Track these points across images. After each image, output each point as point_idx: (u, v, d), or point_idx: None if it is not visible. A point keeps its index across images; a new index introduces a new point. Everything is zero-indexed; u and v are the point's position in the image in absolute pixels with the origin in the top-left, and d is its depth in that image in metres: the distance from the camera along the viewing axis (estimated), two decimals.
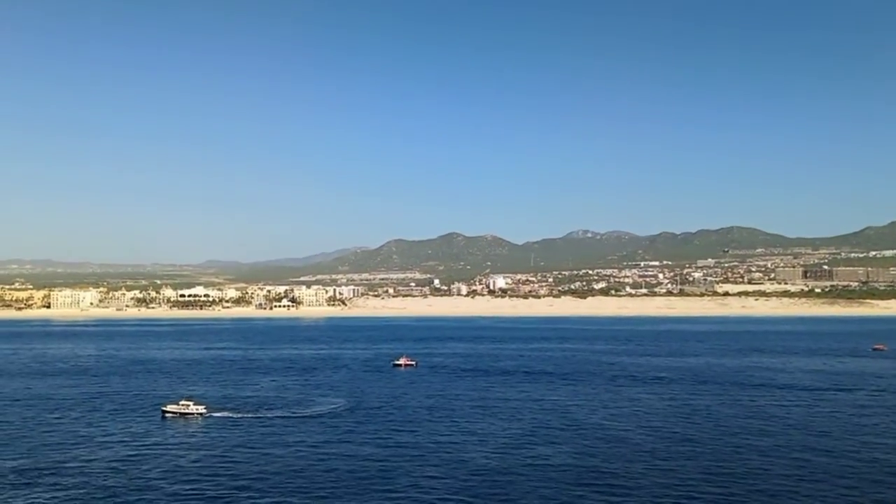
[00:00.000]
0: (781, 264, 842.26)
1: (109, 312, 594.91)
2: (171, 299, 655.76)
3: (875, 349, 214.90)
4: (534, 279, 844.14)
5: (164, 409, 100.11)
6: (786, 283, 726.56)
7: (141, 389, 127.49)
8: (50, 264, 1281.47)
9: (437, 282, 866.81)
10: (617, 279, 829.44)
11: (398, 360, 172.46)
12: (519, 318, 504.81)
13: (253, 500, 59.65)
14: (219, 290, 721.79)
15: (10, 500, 59.88)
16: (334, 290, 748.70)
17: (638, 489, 62.28)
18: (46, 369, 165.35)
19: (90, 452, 76.50)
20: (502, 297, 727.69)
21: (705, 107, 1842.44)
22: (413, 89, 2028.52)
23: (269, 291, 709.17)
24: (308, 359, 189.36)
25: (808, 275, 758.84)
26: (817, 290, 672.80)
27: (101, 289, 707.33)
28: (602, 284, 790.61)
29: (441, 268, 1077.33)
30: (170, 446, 79.67)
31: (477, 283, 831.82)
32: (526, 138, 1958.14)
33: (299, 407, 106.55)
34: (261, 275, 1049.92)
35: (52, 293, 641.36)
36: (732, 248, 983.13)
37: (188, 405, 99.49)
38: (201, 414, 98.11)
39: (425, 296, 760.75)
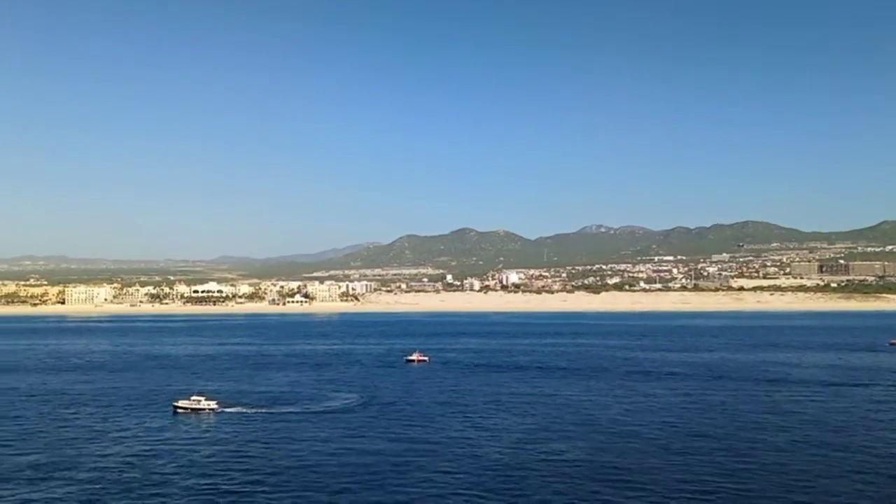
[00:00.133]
0: (797, 259, 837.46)
1: (123, 308, 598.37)
2: (185, 295, 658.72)
3: (892, 344, 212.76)
4: (547, 274, 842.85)
5: (175, 404, 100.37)
6: (801, 278, 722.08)
7: (155, 385, 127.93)
8: (64, 260, 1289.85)
9: (449, 277, 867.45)
10: (631, 274, 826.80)
11: (411, 355, 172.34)
12: (532, 314, 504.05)
13: (267, 495, 59.64)
14: (232, 285, 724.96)
15: (26, 494, 60.13)
16: (347, 285, 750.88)
17: (653, 484, 61.85)
18: (61, 365, 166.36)
19: (104, 447, 76.78)
20: (515, 292, 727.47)
21: (720, 102, 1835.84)
22: (427, 86, 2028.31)
23: (281, 287, 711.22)
24: (321, 354, 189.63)
25: (823, 269, 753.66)
26: (833, 285, 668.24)
27: (115, 285, 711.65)
28: (616, 279, 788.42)
29: (453, 263, 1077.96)
30: (182, 441, 79.80)
31: (490, 279, 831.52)
32: (538, 133, 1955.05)
33: (312, 402, 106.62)
34: (273, 270, 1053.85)
35: (66, 289, 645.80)
36: (747, 243, 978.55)
37: (200, 400, 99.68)
38: (213, 409, 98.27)
39: (438, 291, 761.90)
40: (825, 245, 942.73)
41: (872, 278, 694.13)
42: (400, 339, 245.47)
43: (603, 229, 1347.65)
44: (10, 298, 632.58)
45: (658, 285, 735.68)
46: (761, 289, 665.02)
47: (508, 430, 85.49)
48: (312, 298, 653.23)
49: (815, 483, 62.21)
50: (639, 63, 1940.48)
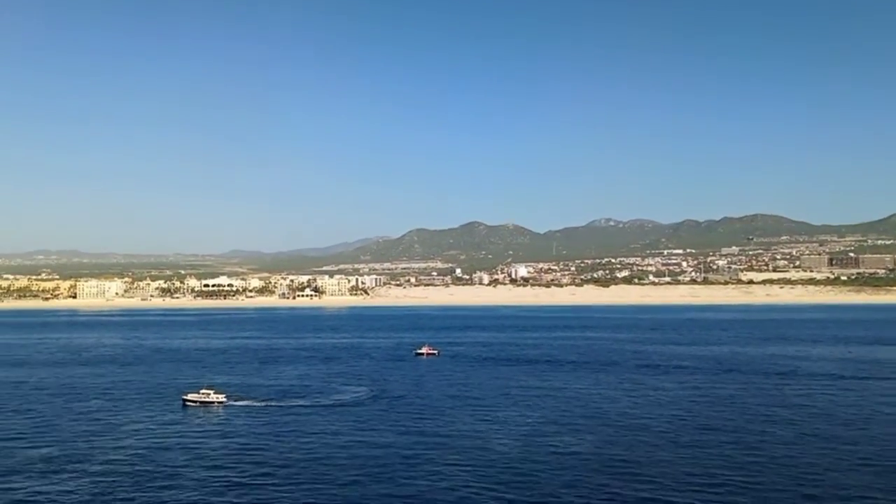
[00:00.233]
0: (807, 252, 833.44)
1: (134, 302, 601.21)
2: (195, 289, 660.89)
3: None
4: (556, 268, 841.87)
5: (184, 397, 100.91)
6: (811, 271, 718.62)
7: (165, 379, 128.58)
8: (76, 255, 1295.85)
9: (458, 271, 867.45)
10: (640, 267, 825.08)
11: (420, 349, 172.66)
12: (541, 307, 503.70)
13: (277, 488, 59.99)
14: (242, 279, 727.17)
15: (39, 486, 60.66)
16: (356, 279, 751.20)
17: (662, 477, 61.91)
18: (73, 359, 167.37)
19: (115, 440, 77.33)
20: (524, 285, 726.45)
21: (729, 94, 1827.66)
22: (436, 79, 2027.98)
23: (292, 281, 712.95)
24: (330, 348, 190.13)
25: (833, 262, 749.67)
26: (843, 278, 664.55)
27: (126, 279, 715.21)
28: (625, 273, 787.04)
29: (463, 257, 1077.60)
30: (192, 435, 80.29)
31: (499, 272, 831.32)
32: (547, 127, 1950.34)
33: (322, 396, 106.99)
34: (284, 265, 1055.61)
35: (78, 283, 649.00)
36: (757, 236, 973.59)
37: (209, 394, 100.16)
38: (221, 403, 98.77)
39: (447, 285, 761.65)
40: (835, 238, 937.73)
41: (883, 271, 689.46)
42: (409, 333, 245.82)
43: (612, 223, 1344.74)
44: (23, 293, 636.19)
45: (667, 279, 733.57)
46: (771, 282, 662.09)
47: (518, 423, 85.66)
48: (322, 292, 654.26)
49: (824, 476, 62.17)
50: (647, 55, 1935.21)
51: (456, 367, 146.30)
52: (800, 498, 56.64)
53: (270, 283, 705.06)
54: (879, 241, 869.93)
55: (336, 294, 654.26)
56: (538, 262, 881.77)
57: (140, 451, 72.24)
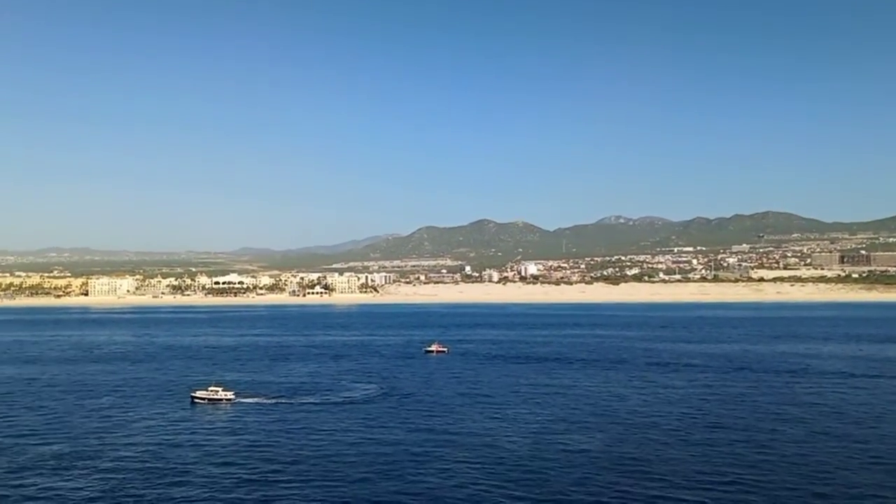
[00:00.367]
0: (818, 249, 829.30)
1: (145, 300, 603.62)
2: (206, 286, 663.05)
3: None
4: (566, 265, 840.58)
5: (193, 394, 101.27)
6: (822, 269, 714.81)
7: (175, 376, 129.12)
8: (87, 252, 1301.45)
9: (468, 268, 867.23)
10: (650, 265, 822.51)
11: (430, 346, 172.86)
12: (551, 305, 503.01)
13: (287, 484, 60.14)
14: (252, 277, 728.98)
15: (50, 483, 61.04)
16: (366, 277, 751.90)
17: (672, 475, 61.78)
18: (85, 356, 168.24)
19: (125, 437, 77.70)
20: (534, 283, 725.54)
21: (740, 91, 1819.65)
22: (445, 76, 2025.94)
23: (302, 279, 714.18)
24: (340, 345, 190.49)
25: (845, 260, 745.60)
26: (855, 276, 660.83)
27: (138, 276, 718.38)
28: (635, 270, 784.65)
29: (472, 254, 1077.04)
30: (202, 431, 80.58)
31: (508, 270, 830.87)
32: (556, 124, 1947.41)
33: (332, 393, 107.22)
34: (293, 262, 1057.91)
35: (89, 281, 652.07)
36: (768, 234, 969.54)
37: (217, 391, 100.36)
38: (230, 400, 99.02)
39: (457, 282, 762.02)
40: (847, 235, 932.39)
41: (895, 269, 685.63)
42: (419, 331, 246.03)
43: (622, 220, 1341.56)
44: (35, 290, 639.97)
45: (677, 276, 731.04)
46: (782, 280, 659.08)
47: (527, 420, 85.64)
48: (332, 290, 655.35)
49: (835, 474, 61.93)
50: (659, 52, 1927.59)
51: (466, 364, 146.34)
52: (811, 496, 56.43)
53: (281, 280, 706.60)
54: (891, 239, 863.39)
55: (346, 292, 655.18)
56: (548, 259, 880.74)
57: (150, 448, 72.57)
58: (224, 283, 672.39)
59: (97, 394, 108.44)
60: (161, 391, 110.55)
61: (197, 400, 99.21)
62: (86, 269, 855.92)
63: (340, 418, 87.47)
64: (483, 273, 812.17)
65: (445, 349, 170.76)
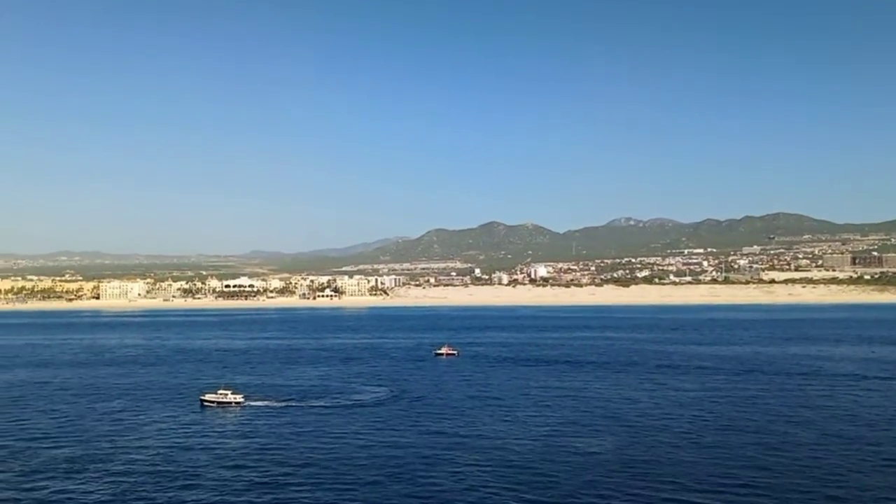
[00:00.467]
0: (829, 251, 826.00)
1: (156, 303, 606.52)
2: (217, 290, 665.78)
3: None
4: (575, 268, 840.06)
5: (202, 398, 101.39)
6: (834, 270, 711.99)
7: (185, 379, 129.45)
8: (98, 256, 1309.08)
9: (477, 271, 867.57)
10: (660, 267, 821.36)
11: (440, 349, 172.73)
12: (561, 307, 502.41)
13: (298, 488, 60.15)
14: (263, 280, 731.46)
15: (62, 486, 61.24)
16: (376, 279, 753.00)
17: (683, 477, 61.48)
18: (96, 359, 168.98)
19: (136, 440, 77.89)
20: (543, 286, 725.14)
21: (750, 93, 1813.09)
22: (454, 79, 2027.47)
23: (312, 282, 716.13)
24: (350, 348, 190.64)
25: (856, 261, 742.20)
26: (866, 277, 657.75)
27: (148, 280, 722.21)
28: (645, 273, 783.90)
29: (482, 257, 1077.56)
30: (212, 435, 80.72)
31: (518, 272, 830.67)
32: (557, 124, 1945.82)
33: (342, 396, 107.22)
34: (304, 265, 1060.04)
35: (100, 284, 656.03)
36: (778, 235, 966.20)
37: (226, 394, 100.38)
38: (239, 403, 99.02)
39: (466, 285, 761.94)
40: (858, 237, 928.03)
41: None
42: (429, 333, 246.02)
43: (632, 222, 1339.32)
44: (47, 294, 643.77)
45: (688, 278, 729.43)
46: (793, 281, 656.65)
47: (537, 423, 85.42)
48: (342, 293, 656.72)
49: (847, 477, 61.51)
50: (660, 52, 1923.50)
51: (476, 367, 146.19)
52: (823, 499, 56.04)
53: (291, 283, 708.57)
54: None
55: (356, 294, 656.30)
56: (557, 261, 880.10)
57: (161, 451, 72.71)
58: (234, 286, 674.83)
59: (108, 397, 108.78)
60: (172, 394, 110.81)
61: (207, 403, 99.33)
62: (97, 272, 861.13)
63: (350, 421, 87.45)
64: (493, 275, 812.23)
65: (455, 352, 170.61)
